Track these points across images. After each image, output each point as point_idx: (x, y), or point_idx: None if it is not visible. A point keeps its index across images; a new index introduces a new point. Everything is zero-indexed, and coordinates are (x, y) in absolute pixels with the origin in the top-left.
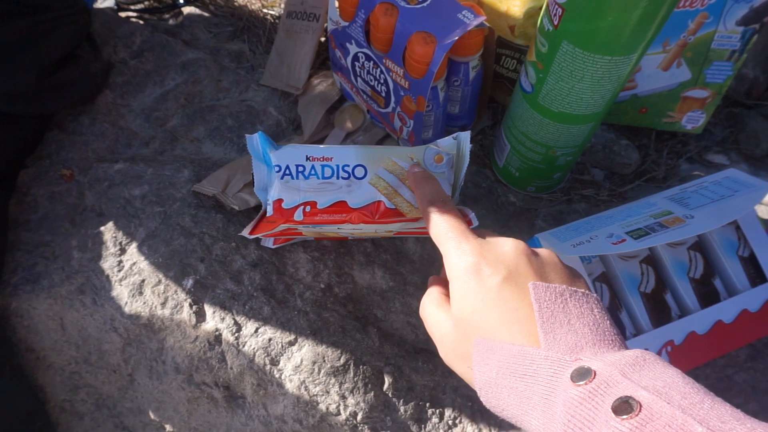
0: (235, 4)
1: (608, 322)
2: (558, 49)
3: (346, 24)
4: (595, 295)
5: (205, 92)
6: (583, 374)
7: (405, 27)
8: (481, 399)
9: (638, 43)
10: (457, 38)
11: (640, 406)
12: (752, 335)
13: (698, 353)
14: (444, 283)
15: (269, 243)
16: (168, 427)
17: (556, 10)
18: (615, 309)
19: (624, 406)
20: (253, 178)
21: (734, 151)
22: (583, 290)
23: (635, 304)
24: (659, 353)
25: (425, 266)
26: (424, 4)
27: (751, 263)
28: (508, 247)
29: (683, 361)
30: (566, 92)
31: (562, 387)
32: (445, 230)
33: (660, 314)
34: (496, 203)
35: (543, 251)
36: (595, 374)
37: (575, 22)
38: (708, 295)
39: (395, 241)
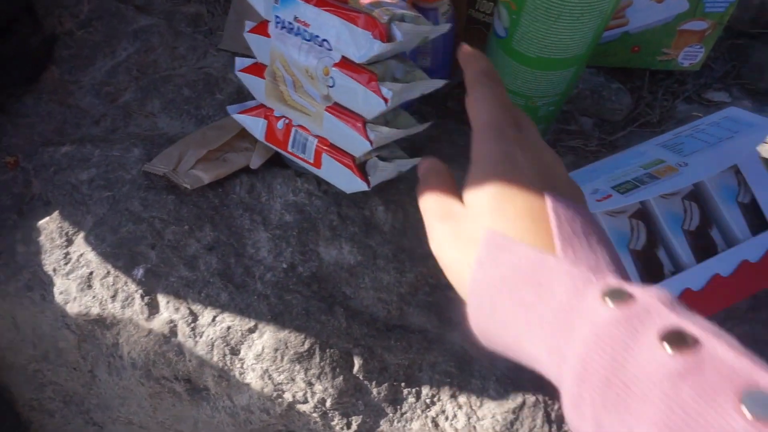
0: None
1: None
2: None
3: None
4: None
5: (159, 61)
6: (617, 294)
7: None
8: (471, 308)
9: None
10: None
11: (696, 341)
12: (752, 287)
13: (694, 311)
14: (449, 177)
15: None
16: (135, 421)
17: None
18: None
19: (675, 337)
20: (206, 154)
21: (736, 87)
22: (592, 215)
23: (624, 263)
24: None
25: (397, 237)
26: None
27: (752, 209)
28: (549, 150)
29: None
30: (543, 34)
31: (588, 305)
32: (488, 108)
33: (651, 273)
34: None
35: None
36: (632, 297)
37: None
38: (704, 248)
39: (363, 211)
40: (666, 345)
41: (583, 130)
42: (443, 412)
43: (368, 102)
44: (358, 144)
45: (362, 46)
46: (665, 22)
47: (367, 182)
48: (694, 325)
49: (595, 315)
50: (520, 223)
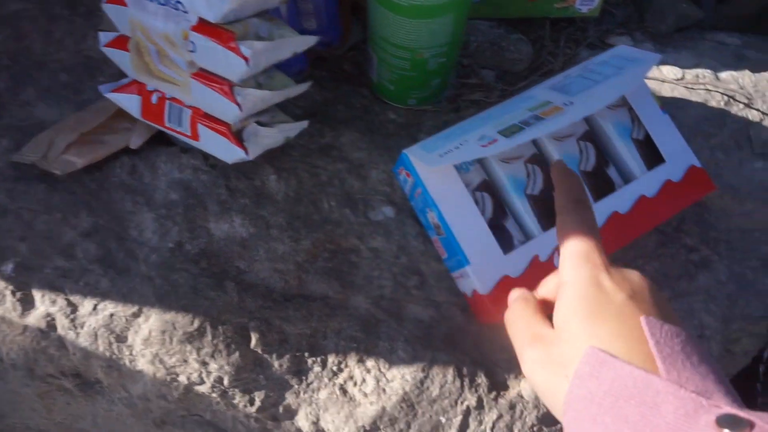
0: None
1: (724, 372)
2: None
3: None
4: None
5: (33, 47)
6: (733, 421)
7: None
8: (567, 419)
9: None
10: None
11: None
12: (652, 222)
13: None
14: (536, 303)
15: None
16: (32, 426)
17: None
18: (501, 218)
19: None
20: (80, 137)
21: (639, 31)
22: (692, 333)
23: (523, 209)
24: (551, 257)
25: (290, 205)
26: None
27: (646, 145)
28: (635, 273)
29: None
30: None
31: (701, 430)
32: (576, 235)
33: (550, 217)
34: (373, 123)
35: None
36: (751, 424)
37: None
38: (602, 188)
39: (254, 182)
40: None
41: (484, 83)
42: (351, 378)
43: (229, 62)
44: (227, 109)
45: (214, 3)
46: None
47: (245, 149)
48: None
49: None
50: (615, 344)
